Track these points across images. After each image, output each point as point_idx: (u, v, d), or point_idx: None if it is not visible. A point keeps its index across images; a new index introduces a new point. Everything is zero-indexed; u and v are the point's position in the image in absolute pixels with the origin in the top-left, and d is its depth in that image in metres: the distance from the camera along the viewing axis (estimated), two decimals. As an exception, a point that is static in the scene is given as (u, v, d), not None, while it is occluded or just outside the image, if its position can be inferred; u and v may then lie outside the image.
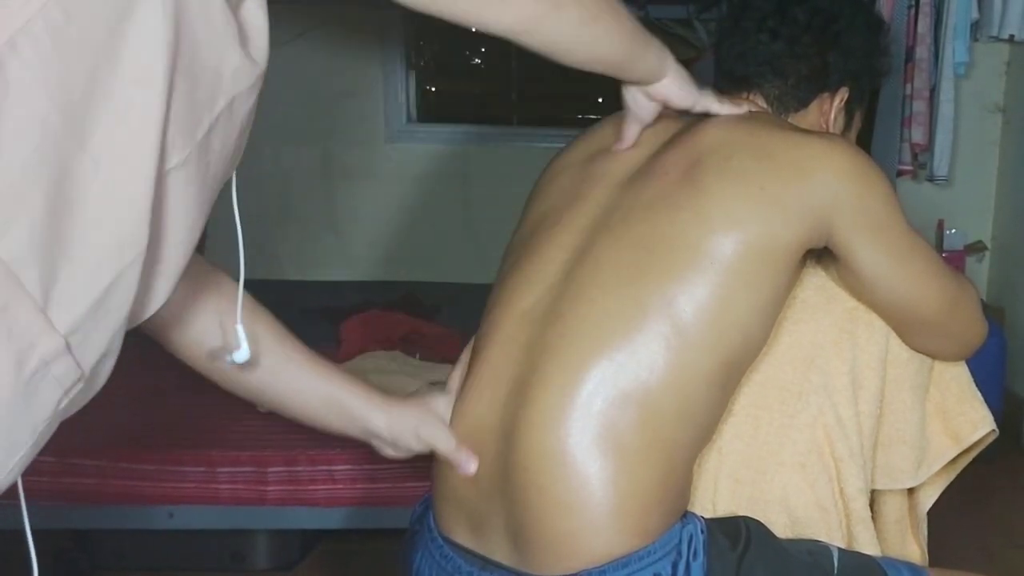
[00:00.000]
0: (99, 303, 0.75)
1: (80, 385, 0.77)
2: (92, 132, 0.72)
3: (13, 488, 0.79)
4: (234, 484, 2.27)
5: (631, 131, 1.22)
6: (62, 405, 0.77)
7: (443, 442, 1.16)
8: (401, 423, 1.16)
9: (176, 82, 0.75)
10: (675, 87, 1.17)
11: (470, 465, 1.15)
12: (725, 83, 1.35)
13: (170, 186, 0.78)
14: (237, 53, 0.80)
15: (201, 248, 0.94)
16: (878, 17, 1.42)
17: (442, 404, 1.20)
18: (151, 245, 0.78)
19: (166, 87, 0.74)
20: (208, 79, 0.79)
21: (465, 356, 1.24)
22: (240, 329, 1.01)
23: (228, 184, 0.91)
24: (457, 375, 1.22)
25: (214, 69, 0.79)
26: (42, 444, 0.79)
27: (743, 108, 1.23)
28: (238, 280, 1.01)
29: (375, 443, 1.19)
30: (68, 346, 0.74)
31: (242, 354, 1.02)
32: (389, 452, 1.20)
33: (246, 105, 0.83)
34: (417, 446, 1.17)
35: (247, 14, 0.83)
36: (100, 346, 0.78)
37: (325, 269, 4.14)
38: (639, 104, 1.19)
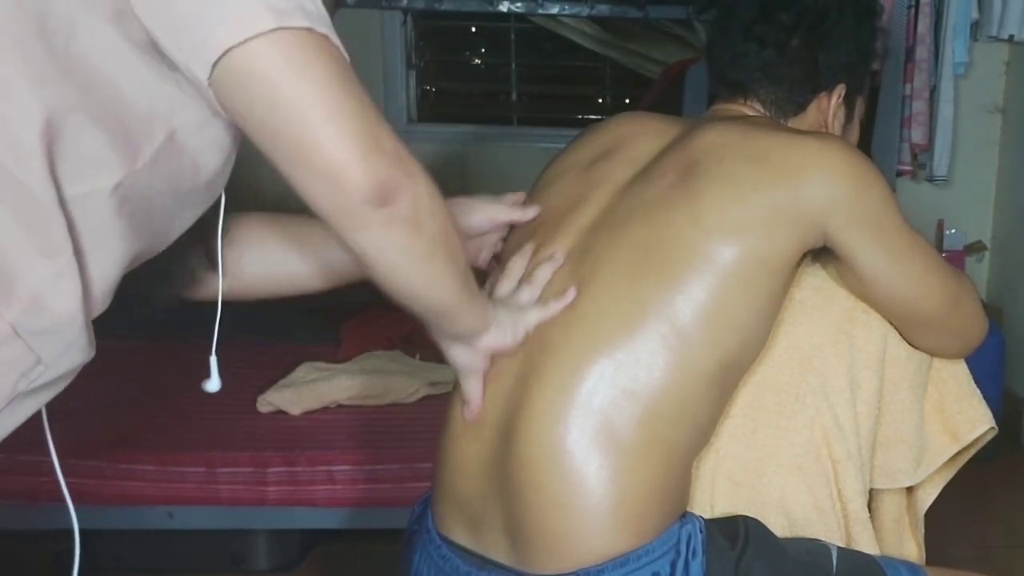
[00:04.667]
0: (36, 300, 0.80)
1: (41, 369, 0.82)
2: None
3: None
4: (234, 484, 2.27)
5: (475, 389, 1.14)
6: (20, 387, 0.81)
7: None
8: None
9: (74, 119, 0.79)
10: (499, 336, 1.11)
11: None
12: (720, 89, 1.34)
13: (105, 204, 0.83)
14: (174, 88, 0.84)
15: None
16: (868, 2, 1.36)
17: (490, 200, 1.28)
18: (90, 251, 0.83)
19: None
20: (139, 112, 0.83)
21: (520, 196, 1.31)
22: (213, 360, 1.04)
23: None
24: (517, 195, 1.30)
25: (145, 103, 0.84)
26: (9, 426, 0.84)
27: (568, 299, 1.13)
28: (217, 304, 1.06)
29: None
30: (16, 332, 0.79)
31: (213, 384, 1.05)
32: None
33: (202, 136, 0.87)
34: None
35: None
36: (58, 338, 0.82)
37: (325, 269, 4.12)
38: (466, 359, 1.12)
